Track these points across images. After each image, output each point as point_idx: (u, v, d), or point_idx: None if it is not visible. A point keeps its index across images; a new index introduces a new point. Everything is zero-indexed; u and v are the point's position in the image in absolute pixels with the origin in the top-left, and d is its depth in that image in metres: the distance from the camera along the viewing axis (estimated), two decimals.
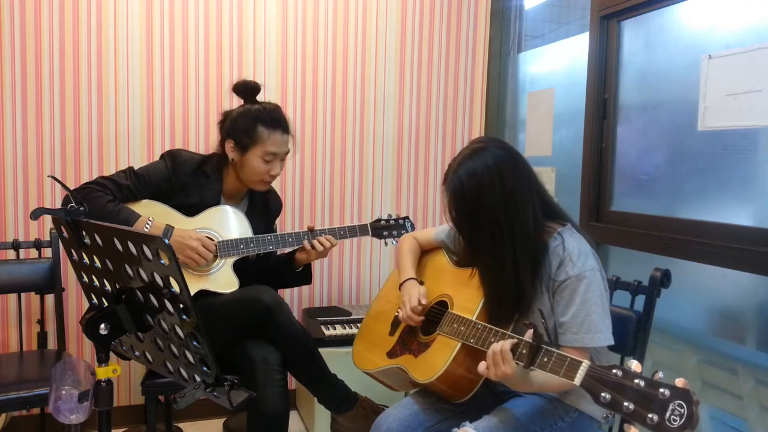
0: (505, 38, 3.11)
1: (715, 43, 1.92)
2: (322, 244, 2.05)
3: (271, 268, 2.17)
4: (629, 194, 2.30)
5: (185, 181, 2.00)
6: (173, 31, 2.62)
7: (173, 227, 1.92)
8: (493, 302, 1.50)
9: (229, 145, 2.02)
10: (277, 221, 2.81)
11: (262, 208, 2.17)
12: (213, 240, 1.99)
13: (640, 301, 1.61)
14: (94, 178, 2.51)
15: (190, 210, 2.00)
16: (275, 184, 2.79)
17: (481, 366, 1.33)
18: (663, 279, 1.56)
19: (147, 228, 1.89)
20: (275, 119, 2.00)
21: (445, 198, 1.51)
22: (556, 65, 2.78)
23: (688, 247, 1.93)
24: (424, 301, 1.64)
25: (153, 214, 1.96)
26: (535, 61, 2.95)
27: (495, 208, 1.43)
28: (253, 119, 1.99)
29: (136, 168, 2.01)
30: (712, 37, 1.94)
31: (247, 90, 2.07)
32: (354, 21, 2.86)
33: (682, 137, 2.04)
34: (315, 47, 2.81)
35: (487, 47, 3.07)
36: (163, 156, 2.05)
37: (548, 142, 2.74)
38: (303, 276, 2.18)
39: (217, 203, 2.05)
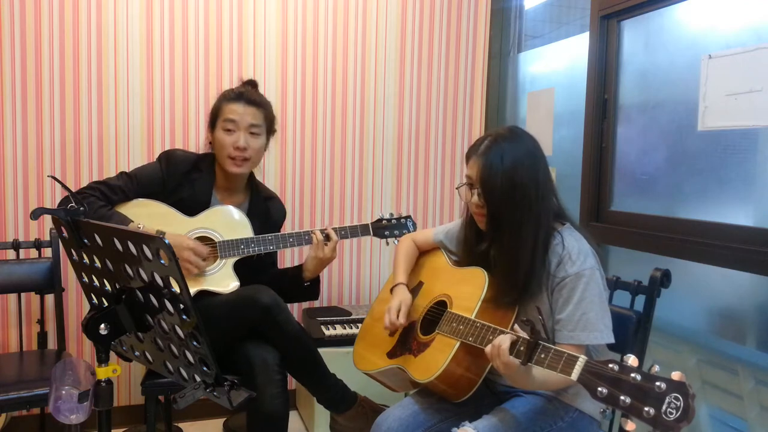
0: (505, 38, 3.11)
1: (715, 43, 1.92)
2: (328, 237, 2.04)
3: (276, 282, 2.12)
4: (629, 194, 2.30)
5: (179, 180, 2.01)
6: (173, 31, 2.62)
7: (164, 232, 1.91)
8: (506, 282, 1.50)
9: (207, 133, 2.09)
10: None
11: (262, 213, 2.15)
12: (213, 240, 1.99)
13: (640, 301, 1.61)
14: (94, 178, 2.54)
15: (184, 205, 2.00)
16: (269, 179, 2.79)
17: (487, 348, 1.34)
18: (663, 279, 1.57)
19: None
20: (238, 93, 2.05)
21: (476, 167, 1.50)
22: (556, 65, 2.78)
23: (688, 247, 1.93)
24: (404, 309, 1.67)
25: (153, 214, 1.96)
26: (535, 61, 2.95)
27: (530, 190, 1.47)
28: (219, 98, 2.08)
29: (128, 171, 2.03)
30: (712, 37, 1.94)
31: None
32: (354, 21, 2.86)
33: (682, 137, 2.04)
34: (315, 47, 2.81)
35: (487, 47, 3.07)
36: (159, 157, 2.06)
37: (548, 142, 2.74)
38: (311, 291, 2.15)
39: (209, 197, 2.04)
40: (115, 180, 1.98)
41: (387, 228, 2.17)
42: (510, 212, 1.47)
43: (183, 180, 2.01)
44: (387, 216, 2.19)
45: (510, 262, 1.49)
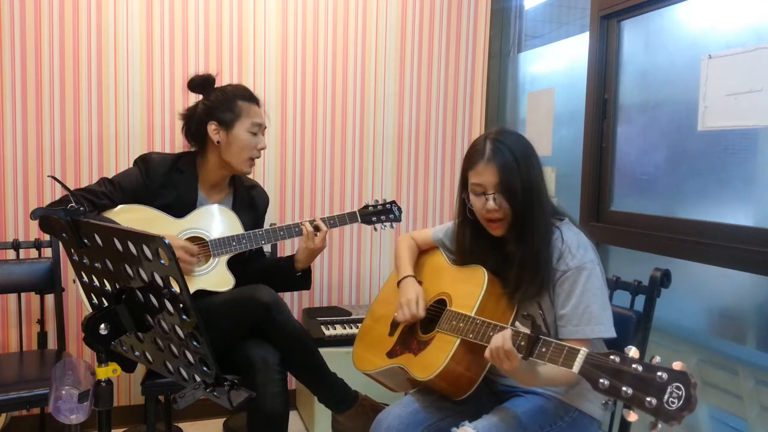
0: (505, 38, 3.11)
1: (715, 43, 1.92)
2: (318, 227, 2.05)
3: (269, 272, 2.16)
4: (629, 194, 2.30)
5: (160, 182, 2.00)
6: (173, 30, 2.62)
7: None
8: (531, 278, 1.48)
9: (211, 128, 2.01)
10: (275, 220, 2.81)
11: (248, 204, 2.16)
12: (204, 239, 1.99)
13: (640, 301, 1.61)
14: (94, 178, 2.54)
15: (172, 209, 2.00)
16: (269, 179, 2.79)
17: (486, 352, 1.33)
18: (663, 279, 1.57)
19: None
20: (251, 94, 2.07)
21: (489, 172, 1.47)
22: (556, 65, 2.78)
23: (688, 247, 1.93)
24: (422, 303, 1.65)
25: (142, 219, 1.95)
26: (535, 61, 2.95)
27: (541, 186, 1.49)
28: (231, 95, 2.03)
29: (109, 177, 2.02)
30: (712, 37, 1.94)
31: (205, 84, 2.07)
32: (354, 21, 2.86)
33: (682, 137, 2.04)
34: (315, 47, 2.81)
35: (487, 47, 3.07)
36: (135, 162, 2.06)
37: (548, 142, 2.74)
38: (302, 280, 2.17)
39: (195, 197, 2.04)
40: (97, 186, 1.97)
41: (374, 214, 2.18)
42: (530, 212, 1.47)
43: (164, 181, 2.00)
44: (372, 202, 2.20)
45: (536, 260, 1.48)
